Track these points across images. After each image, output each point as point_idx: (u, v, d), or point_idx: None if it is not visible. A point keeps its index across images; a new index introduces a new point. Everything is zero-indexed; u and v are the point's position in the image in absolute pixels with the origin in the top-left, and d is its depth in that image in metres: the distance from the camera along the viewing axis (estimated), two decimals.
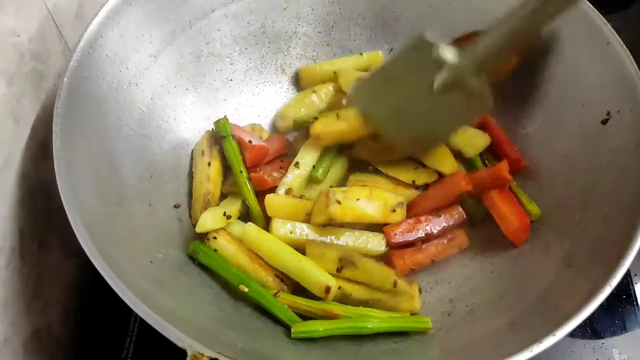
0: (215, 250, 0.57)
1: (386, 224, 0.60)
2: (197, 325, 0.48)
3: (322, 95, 0.70)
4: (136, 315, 0.41)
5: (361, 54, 0.72)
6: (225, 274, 0.55)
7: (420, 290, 0.57)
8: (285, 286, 0.56)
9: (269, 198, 0.60)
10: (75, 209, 0.45)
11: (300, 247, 0.57)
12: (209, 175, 0.61)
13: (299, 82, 0.73)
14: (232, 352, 0.41)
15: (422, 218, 0.60)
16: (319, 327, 0.52)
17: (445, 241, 0.61)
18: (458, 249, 0.61)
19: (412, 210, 0.61)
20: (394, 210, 0.59)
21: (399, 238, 0.59)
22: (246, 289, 0.54)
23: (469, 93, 0.54)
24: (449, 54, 0.53)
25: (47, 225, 0.56)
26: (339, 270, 0.56)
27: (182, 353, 0.41)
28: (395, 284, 0.55)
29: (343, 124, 0.63)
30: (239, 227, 0.60)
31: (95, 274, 0.43)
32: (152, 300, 0.44)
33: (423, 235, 0.60)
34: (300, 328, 0.52)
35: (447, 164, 0.63)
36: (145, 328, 0.42)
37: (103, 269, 0.43)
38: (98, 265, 0.43)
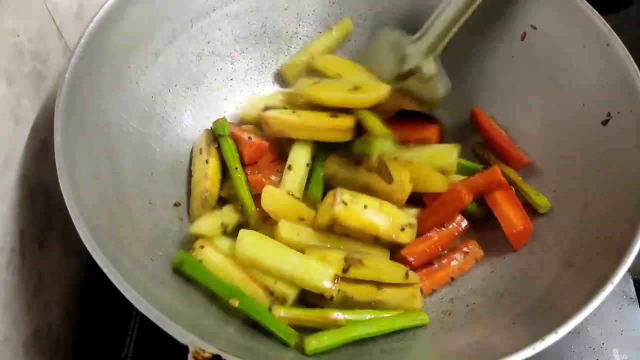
0: (200, 260, 0.54)
1: (392, 242, 0.58)
2: (198, 323, 0.48)
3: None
4: (136, 315, 0.41)
5: (330, 28, 0.71)
6: (214, 287, 0.52)
7: (422, 290, 0.57)
8: (275, 300, 0.54)
9: (268, 190, 0.59)
10: (76, 206, 0.45)
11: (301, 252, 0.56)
12: (207, 172, 0.61)
13: (284, 82, 0.72)
14: (233, 349, 0.41)
15: (431, 234, 0.60)
16: (332, 340, 0.50)
17: (461, 256, 0.60)
18: (474, 261, 0.60)
19: (418, 230, 0.60)
20: (402, 229, 0.57)
21: (417, 261, 0.58)
22: (236, 303, 0.51)
23: (423, 79, 0.58)
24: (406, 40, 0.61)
25: (48, 225, 0.56)
26: (344, 271, 0.55)
27: (182, 352, 0.40)
28: (407, 275, 0.55)
29: (295, 118, 0.62)
30: (225, 243, 0.57)
31: (95, 273, 0.43)
32: (153, 297, 0.44)
33: (439, 251, 0.59)
34: (315, 346, 0.49)
35: (437, 183, 0.61)
36: (146, 328, 0.42)
37: (104, 265, 0.43)
38: (99, 260, 0.43)
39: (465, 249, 0.60)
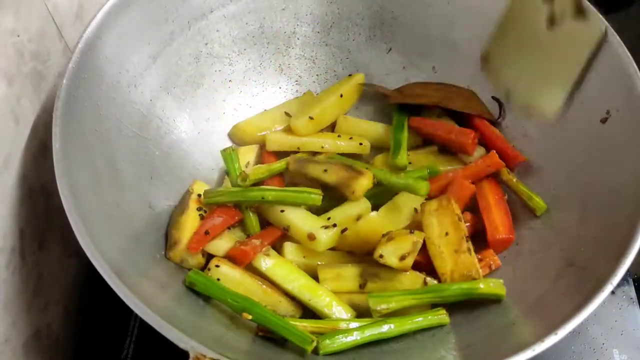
0: (218, 279, 0.54)
1: None
2: (199, 326, 0.48)
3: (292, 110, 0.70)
4: (136, 315, 0.41)
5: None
6: (226, 302, 0.52)
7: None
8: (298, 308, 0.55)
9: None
10: (76, 211, 0.45)
11: (312, 273, 0.56)
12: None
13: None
14: (235, 354, 0.41)
15: None
16: (347, 340, 0.49)
17: None
18: (488, 269, 0.58)
19: None
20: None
21: None
22: (249, 317, 0.50)
23: (580, 14, 0.53)
24: None
25: (48, 225, 0.56)
26: (362, 286, 0.55)
27: (182, 353, 0.41)
28: (425, 282, 0.55)
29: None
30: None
31: (95, 274, 0.43)
32: (153, 301, 0.44)
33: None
34: (330, 347, 0.49)
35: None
36: (146, 328, 0.42)
37: (104, 271, 0.43)
38: (99, 266, 0.43)
39: (479, 257, 0.58)
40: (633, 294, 0.63)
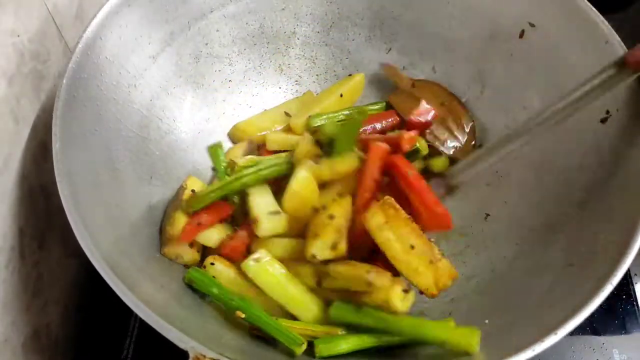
0: (213, 277, 0.54)
1: None
2: (199, 326, 0.48)
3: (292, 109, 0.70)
4: (136, 315, 0.41)
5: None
6: (222, 301, 0.52)
7: (407, 290, 0.51)
8: None
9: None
10: (76, 211, 0.45)
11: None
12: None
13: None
14: (234, 354, 0.41)
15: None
16: (344, 345, 0.49)
17: None
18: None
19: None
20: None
21: None
22: (243, 315, 0.50)
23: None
24: None
25: (47, 225, 0.56)
26: (319, 284, 0.54)
27: (182, 353, 0.41)
28: (369, 284, 0.50)
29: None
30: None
31: (95, 273, 0.43)
32: (153, 301, 0.44)
33: None
34: (326, 352, 0.48)
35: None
36: (146, 328, 0.42)
37: (104, 271, 0.43)
38: (99, 267, 0.43)
39: None
40: (633, 294, 0.63)
